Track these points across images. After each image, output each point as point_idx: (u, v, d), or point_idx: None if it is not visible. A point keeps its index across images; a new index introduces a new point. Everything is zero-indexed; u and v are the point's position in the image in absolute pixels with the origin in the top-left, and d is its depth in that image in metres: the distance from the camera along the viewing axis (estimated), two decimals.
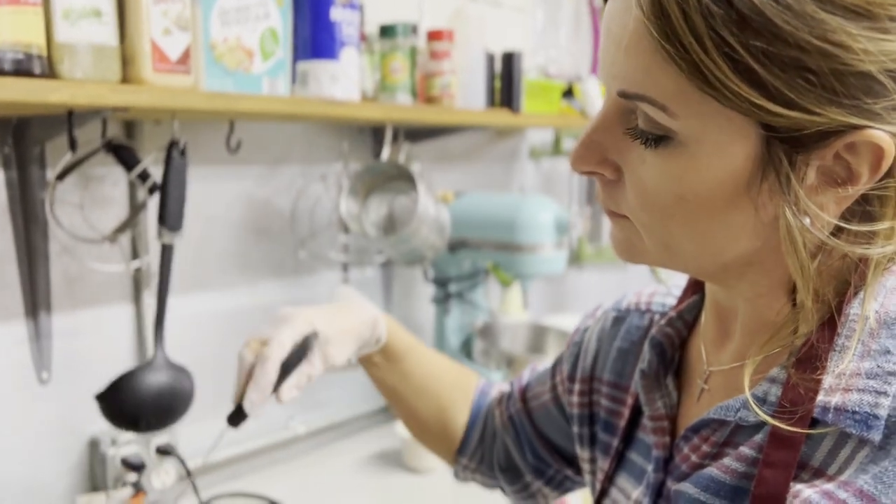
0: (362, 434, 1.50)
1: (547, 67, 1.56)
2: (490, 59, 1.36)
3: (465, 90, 1.30)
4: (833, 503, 0.43)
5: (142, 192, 1.10)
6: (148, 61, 0.88)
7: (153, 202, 1.08)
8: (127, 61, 0.89)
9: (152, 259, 1.13)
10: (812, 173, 0.45)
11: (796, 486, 0.46)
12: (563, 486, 0.82)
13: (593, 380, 0.72)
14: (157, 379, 1.02)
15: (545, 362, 0.86)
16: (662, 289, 0.73)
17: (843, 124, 0.43)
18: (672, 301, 0.71)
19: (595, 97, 1.46)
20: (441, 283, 1.47)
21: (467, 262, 1.45)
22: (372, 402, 1.55)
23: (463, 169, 1.68)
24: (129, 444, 1.13)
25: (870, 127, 0.43)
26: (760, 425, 0.51)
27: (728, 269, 0.52)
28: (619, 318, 0.73)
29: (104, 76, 0.86)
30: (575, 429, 0.73)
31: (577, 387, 0.73)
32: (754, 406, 0.48)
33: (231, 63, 0.98)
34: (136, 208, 1.09)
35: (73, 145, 0.88)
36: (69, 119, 0.86)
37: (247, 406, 0.71)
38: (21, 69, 0.78)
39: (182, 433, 1.19)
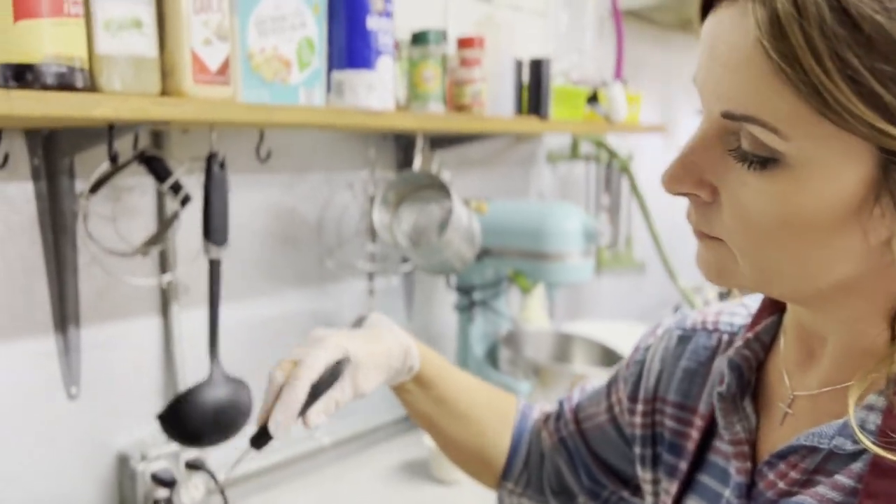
0: (388, 444, 1.48)
1: (570, 73, 1.55)
2: (518, 65, 1.34)
3: (494, 97, 1.29)
4: None
5: (172, 204, 1.08)
6: (188, 72, 0.86)
7: (185, 214, 1.06)
8: (166, 73, 0.87)
9: (182, 271, 1.11)
10: None
11: None
12: None
13: (656, 400, 0.71)
14: (216, 394, 1.02)
15: (595, 381, 0.84)
16: (728, 307, 0.72)
17: None
18: (739, 320, 0.69)
19: (620, 102, 1.45)
20: (465, 290, 1.45)
21: (490, 270, 1.44)
22: (397, 410, 1.53)
23: (482, 174, 1.66)
24: (158, 459, 1.11)
25: None
26: (857, 454, 0.50)
27: (825, 295, 0.50)
28: (685, 336, 0.72)
29: (144, 88, 0.84)
30: (637, 450, 0.71)
31: (639, 407, 0.72)
32: (861, 436, 0.47)
33: (268, 74, 0.96)
34: (166, 220, 1.07)
35: (114, 158, 0.86)
36: (110, 132, 0.84)
37: (272, 427, 0.68)
38: (64, 83, 0.76)
39: (211, 447, 1.17)
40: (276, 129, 1.21)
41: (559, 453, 0.80)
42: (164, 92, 0.86)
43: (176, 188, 1.04)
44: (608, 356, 1.46)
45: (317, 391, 0.68)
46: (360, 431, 1.46)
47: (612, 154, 1.80)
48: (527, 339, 1.52)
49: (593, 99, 1.49)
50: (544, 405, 0.86)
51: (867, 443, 0.47)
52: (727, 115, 0.46)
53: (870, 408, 0.50)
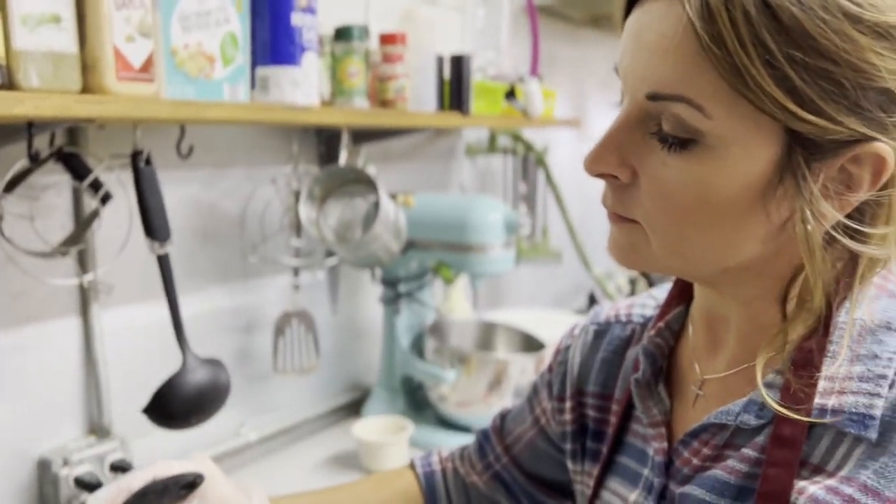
0: (316, 437, 1.49)
1: (487, 69, 1.58)
2: (440, 61, 1.36)
3: (417, 93, 1.31)
4: (840, 498, 0.47)
5: (92, 202, 1.05)
6: (111, 69, 0.85)
7: (106, 212, 1.04)
8: (87, 69, 0.85)
9: (104, 271, 1.08)
10: (820, 182, 0.48)
11: (799, 483, 0.50)
12: None
13: (581, 394, 0.75)
14: (195, 378, 1.07)
15: (507, 407, 0.86)
16: (639, 300, 0.77)
17: (857, 134, 0.47)
18: (649, 311, 0.74)
19: (537, 98, 1.50)
20: (390, 283, 1.47)
21: (414, 263, 1.46)
22: (323, 403, 1.54)
23: (404, 168, 1.68)
24: (81, 463, 1.08)
25: (878, 140, 0.47)
26: (761, 428, 0.55)
27: (728, 274, 0.55)
28: (600, 331, 0.76)
29: (64, 85, 0.82)
30: (568, 446, 0.75)
31: (567, 404, 0.75)
32: (768, 398, 0.52)
33: (192, 70, 0.95)
34: (86, 219, 1.04)
35: (34, 157, 0.84)
36: (29, 130, 0.82)
37: None
38: None
39: (136, 447, 1.15)
40: (198, 124, 1.20)
41: (496, 489, 0.82)
42: (86, 89, 0.84)
43: (95, 186, 1.01)
44: (529, 342, 1.51)
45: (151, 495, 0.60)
46: (286, 426, 1.46)
47: (529, 147, 1.85)
48: (452, 329, 1.55)
49: (511, 94, 1.53)
50: (443, 451, 0.87)
51: (774, 405, 0.51)
52: (653, 97, 0.50)
53: (769, 385, 0.54)
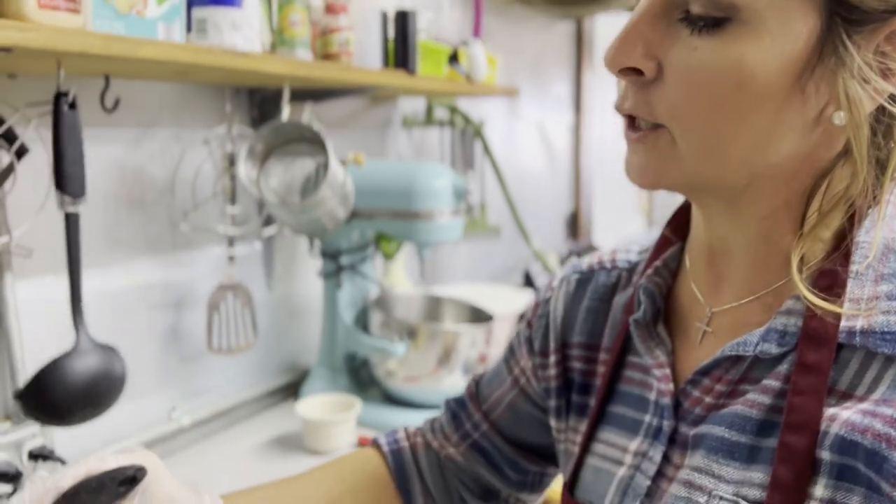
0: (254, 420, 1.39)
1: (428, 30, 1.52)
2: (384, 17, 1.29)
3: (361, 49, 1.24)
4: (881, 420, 0.44)
5: (5, 157, 0.93)
6: None
7: (21, 168, 0.93)
8: None
9: (20, 234, 0.97)
10: (861, 56, 0.46)
11: (829, 411, 0.47)
12: (542, 485, 0.78)
13: (565, 346, 0.70)
14: (84, 364, 0.91)
15: (478, 373, 0.80)
16: (621, 246, 0.74)
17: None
18: (634, 256, 0.71)
19: (481, 61, 1.45)
20: (331, 255, 1.39)
21: (356, 233, 1.39)
22: (258, 385, 1.45)
23: (340, 136, 1.60)
24: None
25: None
26: (782, 356, 0.51)
27: (755, 184, 0.51)
28: (583, 279, 0.72)
29: None
30: (552, 402, 0.70)
31: (552, 358, 0.71)
32: (804, 290, 0.48)
33: (122, 5, 0.85)
34: None
35: None
36: None
37: None
38: None
39: (58, 434, 1.04)
40: (122, 77, 1.09)
41: (475, 460, 0.76)
42: (1, 16, 0.74)
43: (9, 138, 0.90)
44: (477, 315, 1.47)
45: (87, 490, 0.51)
46: (221, 409, 1.36)
47: (466, 120, 1.80)
48: (397, 302, 1.48)
49: (454, 58, 1.47)
50: (410, 428, 0.79)
51: (819, 302, 0.48)
52: None
53: (789, 312, 0.51)
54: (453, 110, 1.79)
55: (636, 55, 0.49)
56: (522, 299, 1.72)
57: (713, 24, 0.46)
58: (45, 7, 0.76)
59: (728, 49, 0.46)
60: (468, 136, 1.90)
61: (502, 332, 1.48)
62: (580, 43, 2.81)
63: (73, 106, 0.85)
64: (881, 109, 0.48)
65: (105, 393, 0.94)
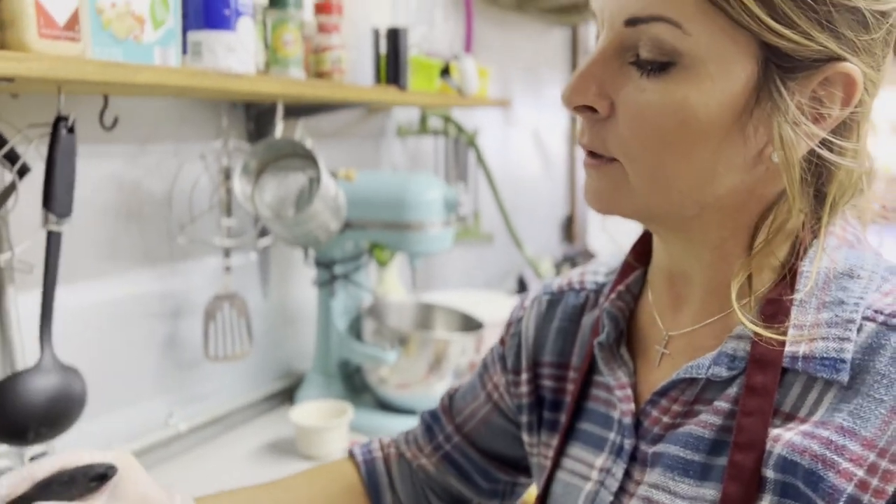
0: (249, 426, 1.43)
1: (420, 45, 1.55)
2: (375, 34, 1.33)
3: (353, 66, 1.27)
4: (817, 441, 0.48)
5: (6, 175, 0.97)
6: (32, 25, 0.78)
7: (23, 187, 0.96)
8: (5, 25, 0.77)
9: (22, 250, 1.00)
10: (795, 101, 0.49)
11: (774, 431, 0.50)
12: (514, 495, 0.81)
13: (536, 365, 0.74)
14: (45, 383, 0.91)
15: (452, 386, 0.83)
16: (590, 267, 0.76)
17: (830, 52, 0.48)
18: (601, 278, 0.74)
19: (472, 75, 1.48)
20: (325, 265, 1.42)
21: (350, 243, 1.42)
22: (254, 391, 1.48)
23: (335, 147, 1.63)
24: None
25: (848, 60, 0.49)
26: (732, 380, 0.55)
27: (703, 215, 0.55)
28: (554, 300, 0.75)
29: None
30: (524, 418, 0.73)
31: (524, 376, 0.74)
32: (745, 320, 0.52)
33: (120, 31, 0.89)
34: (0, 194, 0.96)
35: None
36: None
37: None
38: None
39: (56, 441, 1.07)
40: (121, 95, 1.12)
41: (446, 471, 0.79)
42: (3, 46, 0.77)
43: (12, 158, 0.93)
44: (468, 322, 1.50)
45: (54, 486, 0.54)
46: (217, 415, 1.39)
47: (460, 129, 1.84)
48: (389, 310, 1.52)
49: (445, 72, 1.50)
50: (383, 438, 0.83)
51: (753, 326, 0.51)
52: (632, 21, 0.50)
53: (739, 337, 0.54)
54: (447, 120, 1.82)
55: (590, 94, 0.53)
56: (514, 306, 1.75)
57: (659, 67, 0.50)
58: (45, 36, 0.79)
59: (672, 91, 0.50)
60: (462, 145, 1.94)
61: (492, 340, 1.51)
62: (575, 49, 2.84)
63: (71, 130, 0.88)
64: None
65: (63, 413, 0.94)
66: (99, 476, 0.56)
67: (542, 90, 2.63)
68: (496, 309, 1.65)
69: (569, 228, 2.91)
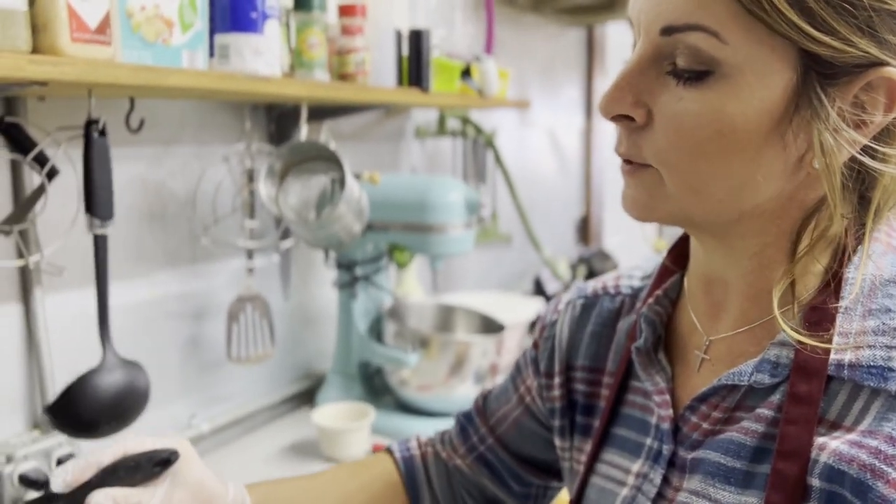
0: (271, 427, 1.43)
1: (440, 47, 1.55)
2: (398, 36, 1.33)
3: (376, 68, 1.27)
4: (866, 451, 0.47)
5: (36, 178, 0.97)
6: (65, 29, 0.78)
7: (52, 189, 0.96)
8: (38, 29, 0.78)
9: (50, 252, 1.01)
10: (836, 108, 0.49)
11: (819, 440, 0.50)
12: (546, 498, 0.81)
13: (569, 369, 0.73)
14: (110, 379, 0.96)
15: (487, 389, 0.83)
16: (625, 272, 0.76)
17: (871, 57, 0.47)
18: (637, 282, 0.73)
19: (493, 77, 1.48)
20: (346, 267, 1.43)
21: (370, 245, 1.43)
22: (275, 392, 1.48)
23: (354, 149, 1.64)
24: (26, 459, 1.01)
25: (891, 64, 0.48)
26: (775, 387, 0.54)
27: (742, 221, 0.54)
28: (588, 304, 0.75)
29: (13, 44, 0.75)
30: (556, 422, 0.73)
31: (556, 380, 0.74)
32: (786, 328, 0.51)
33: (150, 34, 0.89)
34: (29, 196, 0.97)
35: None
36: None
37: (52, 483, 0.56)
38: None
39: (84, 442, 1.08)
40: (146, 97, 1.13)
41: (480, 472, 0.79)
42: (36, 50, 0.78)
43: (41, 161, 0.94)
44: (488, 325, 1.50)
45: (123, 471, 0.56)
46: (240, 416, 1.40)
47: (478, 130, 1.83)
48: (410, 312, 1.52)
49: (466, 73, 1.50)
50: (420, 438, 0.83)
51: (795, 334, 0.51)
52: (668, 30, 0.50)
53: (782, 344, 0.54)
54: (465, 121, 1.82)
55: (627, 104, 0.53)
56: (532, 307, 1.75)
57: (697, 76, 0.50)
58: (77, 41, 0.79)
59: (709, 99, 0.49)
60: (480, 146, 1.93)
61: (513, 342, 1.51)
62: (591, 49, 2.84)
63: (102, 133, 0.88)
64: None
65: (130, 407, 0.99)
66: (162, 461, 0.57)
67: (558, 91, 2.62)
68: (515, 310, 1.65)
69: (584, 229, 2.90)
